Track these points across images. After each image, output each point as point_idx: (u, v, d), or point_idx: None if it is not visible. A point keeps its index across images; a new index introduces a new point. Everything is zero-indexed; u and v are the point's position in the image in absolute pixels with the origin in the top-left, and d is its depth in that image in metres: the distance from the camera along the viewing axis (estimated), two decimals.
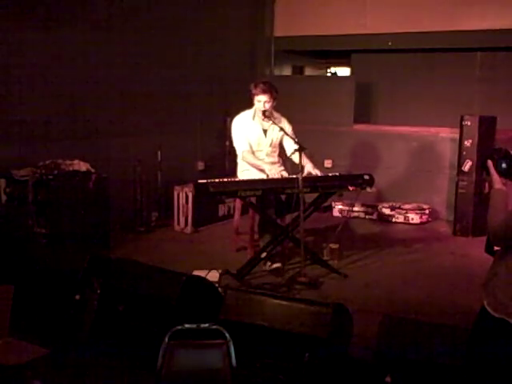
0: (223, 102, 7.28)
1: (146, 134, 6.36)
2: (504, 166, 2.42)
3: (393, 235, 6.46)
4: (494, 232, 2.36)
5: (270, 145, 5.22)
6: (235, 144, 5.20)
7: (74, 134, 5.67)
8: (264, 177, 4.96)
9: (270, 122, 5.02)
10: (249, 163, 5.14)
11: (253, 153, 5.15)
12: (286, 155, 5.24)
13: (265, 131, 5.18)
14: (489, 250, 2.51)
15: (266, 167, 4.97)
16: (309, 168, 4.98)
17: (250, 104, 5.13)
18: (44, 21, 5.36)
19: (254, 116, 5.13)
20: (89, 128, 5.82)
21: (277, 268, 4.94)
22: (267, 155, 5.21)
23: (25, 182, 4.90)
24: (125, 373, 3.30)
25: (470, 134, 6.23)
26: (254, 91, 5.01)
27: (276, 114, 5.16)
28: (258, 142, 5.18)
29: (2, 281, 3.73)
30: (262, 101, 4.98)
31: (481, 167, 2.51)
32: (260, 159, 5.14)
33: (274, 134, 5.19)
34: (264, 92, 4.97)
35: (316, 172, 4.98)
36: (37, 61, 5.32)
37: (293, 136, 5.01)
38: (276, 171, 4.92)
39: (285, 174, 5.01)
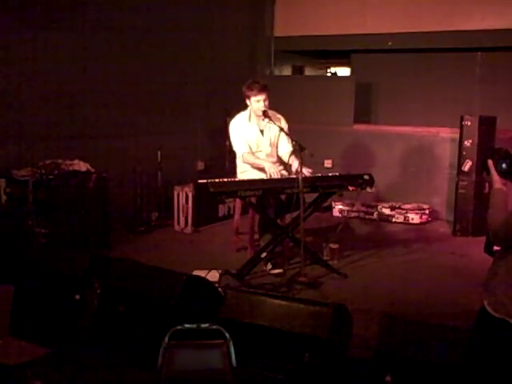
0: (223, 102, 7.26)
1: (146, 134, 6.36)
2: (504, 166, 2.43)
3: (393, 235, 6.46)
4: (495, 232, 2.36)
5: (270, 144, 5.22)
6: (235, 147, 5.20)
7: (74, 134, 5.67)
8: (264, 177, 4.96)
9: (267, 120, 5.00)
10: (250, 164, 5.14)
11: (253, 154, 5.15)
12: (278, 155, 5.25)
13: (262, 131, 5.18)
14: (488, 249, 2.52)
15: (267, 165, 4.97)
16: (296, 165, 4.91)
17: (246, 105, 5.13)
18: (43, 21, 5.36)
19: (249, 117, 5.13)
20: (89, 128, 5.82)
21: (278, 273, 4.94)
22: (267, 155, 5.21)
23: (25, 182, 4.90)
24: (125, 373, 3.30)
25: (469, 134, 6.22)
26: (249, 93, 4.98)
27: (271, 112, 5.14)
28: (257, 142, 5.18)
29: (2, 281, 3.73)
30: (261, 100, 4.97)
31: (481, 167, 2.51)
32: (261, 159, 5.15)
33: (271, 132, 5.19)
34: (262, 91, 4.96)
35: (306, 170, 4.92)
36: (37, 61, 5.32)
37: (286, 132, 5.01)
38: (275, 170, 4.92)
39: (284, 174, 5.02)
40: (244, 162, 5.18)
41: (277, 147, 5.28)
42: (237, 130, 5.16)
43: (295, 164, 4.89)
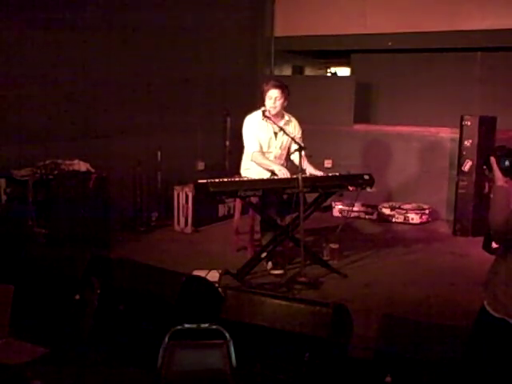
0: (223, 101, 7.27)
1: (145, 133, 6.36)
2: (507, 163, 2.42)
3: (393, 235, 6.46)
4: (496, 229, 2.36)
5: (280, 147, 5.16)
6: (246, 144, 5.13)
7: (74, 134, 5.67)
8: (264, 176, 4.95)
9: (270, 122, 4.99)
10: (258, 164, 5.08)
11: (262, 154, 5.10)
12: (289, 156, 5.24)
13: (275, 134, 5.11)
14: (486, 246, 2.52)
15: (276, 168, 4.93)
16: (311, 170, 4.99)
17: (259, 103, 5.10)
18: (44, 21, 5.36)
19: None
20: (89, 128, 5.82)
21: (278, 274, 4.93)
22: (275, 157, 5.15)
23: (25, 182, 4.90)
24: (125, 373, 3.30)
25: (469, 134, 6.23)
26: (265, 87, 4.96)
27: (287, 116, 5.12)
28: (269, 143, 5.11)
29: (2, 281, 3.73)
30: (273, 96, 4.92)
31: (483, 163, 2.50)
32: (270, 161, 5.09)
33: (285, 136, 5.09)
34: (275, 87, 4.92)
35: (318, 173, 4.97)
36: (37, 61, 5.32)
37: (298, 140, 4.95)
38: (285, 172, 4.88)
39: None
40: (252, 161, 5.11)
41: (288, 150, 5.22)
42: (251, 127, 5.09)
43: (310, 169, 4.95)
